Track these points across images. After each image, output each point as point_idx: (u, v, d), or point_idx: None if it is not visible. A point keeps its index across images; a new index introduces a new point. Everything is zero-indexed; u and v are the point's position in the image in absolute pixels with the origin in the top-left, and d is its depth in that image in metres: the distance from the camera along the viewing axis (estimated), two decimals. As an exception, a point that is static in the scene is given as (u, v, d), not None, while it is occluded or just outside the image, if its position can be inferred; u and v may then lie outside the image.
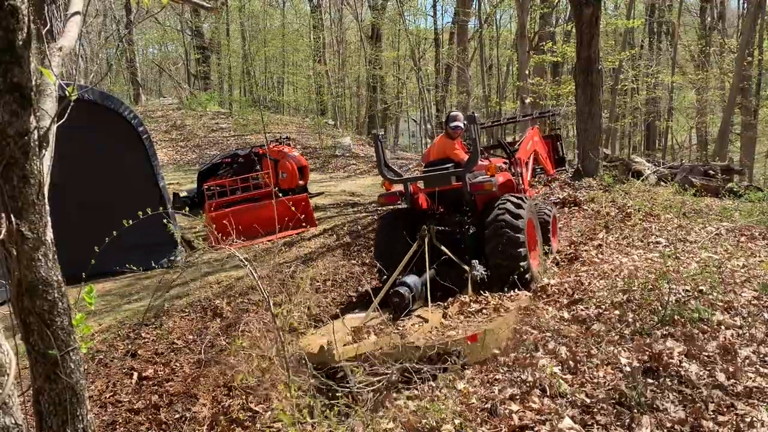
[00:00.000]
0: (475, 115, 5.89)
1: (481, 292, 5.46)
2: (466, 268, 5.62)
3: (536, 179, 9.46)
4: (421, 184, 6.29)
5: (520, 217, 5.59)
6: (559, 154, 8.74)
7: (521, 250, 5.49)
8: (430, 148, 6.77)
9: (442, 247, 5.70)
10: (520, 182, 6.84)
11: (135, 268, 6.70)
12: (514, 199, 5.77)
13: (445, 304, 5.31)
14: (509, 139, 11.78)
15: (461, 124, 6.25)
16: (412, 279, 5.30)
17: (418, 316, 5.11)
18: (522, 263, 5.47)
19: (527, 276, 5.56)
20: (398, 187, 6.14)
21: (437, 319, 4.93)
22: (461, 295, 5.42)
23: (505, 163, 6.82)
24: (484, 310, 5.03)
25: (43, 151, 2.31)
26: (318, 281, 7.41)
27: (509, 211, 5.60)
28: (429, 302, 5.16)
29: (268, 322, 5.25)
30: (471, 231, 6.00)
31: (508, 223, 5.53)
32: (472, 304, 5.20)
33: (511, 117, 10.36)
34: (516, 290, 5.45)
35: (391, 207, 6.57)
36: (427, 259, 5.43)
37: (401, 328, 4.82)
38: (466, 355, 4.20)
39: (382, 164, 6.21)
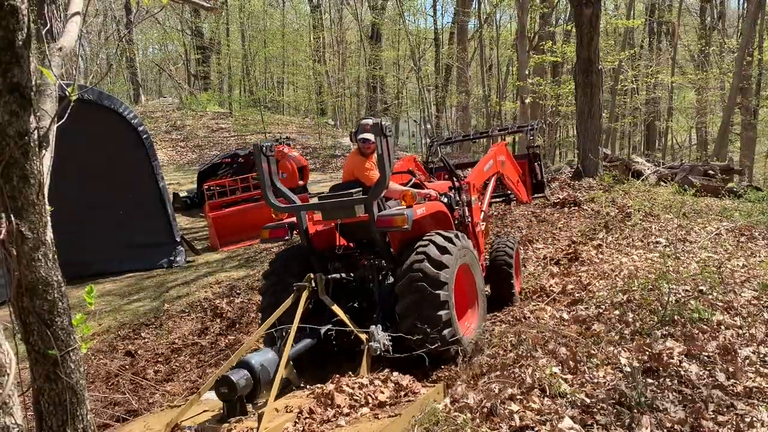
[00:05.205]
0: (384, 123, 4.23)
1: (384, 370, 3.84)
2: (363, 337, 4.07)
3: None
4: (320, 215, 4.71)
5: (444, 266, 4.16)
6: (538, 177, 7.00)
7: (442, 312, 4.07)
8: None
9: (334, 306, 4.17)
10: (467, 214, 5.29)
11: (135, 268, 6.74)
12: (441, 240, 4.30)
13: (320, 390, 3.62)
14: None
15: (373, 137, 4.55)
16: (260, 357, 3.66)
17: (260, 414, 3.26)
18: (442, 331, 4.06)
19: (451, 348, 4.15)
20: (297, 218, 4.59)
21: (283, 422, 3.23)
22: (352, 375, 3.79)
23: (451, 189, 5.31)
24: (375, 403, 3.45)
25: (43, 151, 2.31)
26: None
27: (430, 257, 4.15)
28: (272, 396, 3.38)
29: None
30: (389, 280, 4.59)
31: (426, 275, 4.08)
32: (355, 391, 3.52)
33: (483, 132, 8.35)
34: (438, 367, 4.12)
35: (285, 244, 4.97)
36: (294, 325, 3.81)
37: None
38: None
39: (267, 186, 4.57)
